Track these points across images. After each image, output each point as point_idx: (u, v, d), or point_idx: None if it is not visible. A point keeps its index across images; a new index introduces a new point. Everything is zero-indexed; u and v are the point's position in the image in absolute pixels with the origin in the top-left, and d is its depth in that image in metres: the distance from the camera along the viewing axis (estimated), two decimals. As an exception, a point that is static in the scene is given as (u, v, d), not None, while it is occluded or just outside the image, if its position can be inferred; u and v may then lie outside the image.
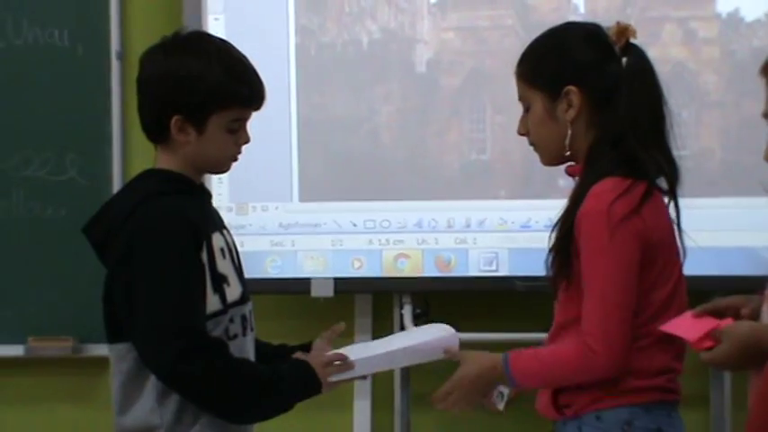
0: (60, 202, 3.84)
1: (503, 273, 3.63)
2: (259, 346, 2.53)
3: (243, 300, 2.41)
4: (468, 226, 3.64)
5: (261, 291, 3.30)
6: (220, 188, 3.63)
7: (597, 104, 2.41)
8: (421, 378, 3.52)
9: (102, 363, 3.60)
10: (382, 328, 3.82)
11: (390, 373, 3.58)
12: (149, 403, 2.31)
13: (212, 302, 2.32)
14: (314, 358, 2.41)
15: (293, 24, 3.70)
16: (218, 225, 2.42)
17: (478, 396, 2.51)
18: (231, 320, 2.36)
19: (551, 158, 2.49)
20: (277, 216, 3.69)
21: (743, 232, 3.56)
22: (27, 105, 3.84)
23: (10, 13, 3.83)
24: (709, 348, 2.12)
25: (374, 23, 3.68)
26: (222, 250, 2.37)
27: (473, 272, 3.64)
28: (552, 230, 2.43)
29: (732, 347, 2.09)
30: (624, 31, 2.44)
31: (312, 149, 3.69)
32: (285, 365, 2.41)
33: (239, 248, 2.49)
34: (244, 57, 2.40)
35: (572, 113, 2.41)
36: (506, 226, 3.62)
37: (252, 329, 2.45)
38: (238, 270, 2.44)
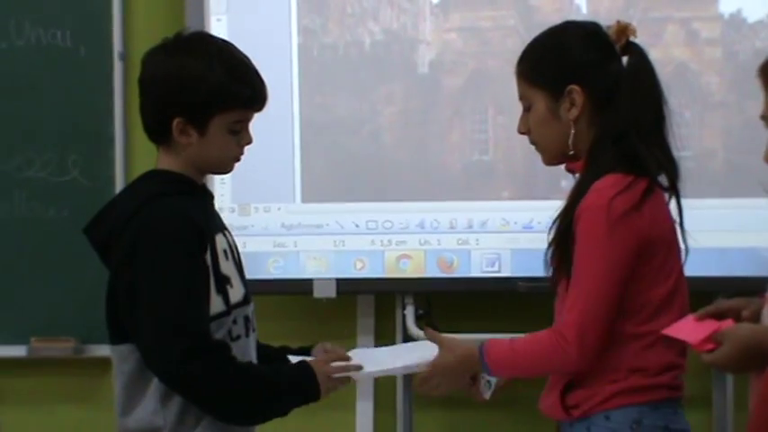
0: (62, 203, 3.84)
1: (505, 274, 3.62)
2: (260, 348, 2.53)
3: (245, 301, 2.41)
4: (471, 227, 3.64)
5: (263, 291, 3.30)
6: (223, 189, 3.63)
7: (599, 103, 2.41)
8: (423, 379, 3.52)
9: (104, 363, 3.60)
10: (385, 328, 3.82)
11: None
12: (152, 405, 2.31)
13: (216, 304, 2.32)
14: (319, 366, 2.39)
15: (295, 25, 3.69)
16: (220, 226, 2.43)
17: (457, 382, 2.51)
18: (234, 322, 2.36)
19: (553, 158, 2.49)
20: (279, 217, 3.69)
21: (745, 233, 3.55)
22: (29, 106, 3.84)
23: (12, 13, 3.83)
24: (711, 351, 2.12)
25: (376, 24, 3.68)
26: (225, 251, 2.37)
27: (475, 273, 3.63)
28: (552, 225, 2.44)
29: (733, 350, 2.09)
30: (624, 30, 2.45)
31: (314, 150, 3.69)
32: (288, 368, 2.40)
33: (241, 249, 2.50)
34: (246, 58, 2.39)
35: (575, 112, 2.42)
36: (509, 227, 3.62)
37: (254, 330, 2.46)
38: (240, 271, 2.44)
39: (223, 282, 2.34)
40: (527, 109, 2.48)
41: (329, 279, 3.66)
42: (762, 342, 2.07)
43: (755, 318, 2.18)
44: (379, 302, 3.85)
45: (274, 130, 3.57)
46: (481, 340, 2.47)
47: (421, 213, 3.65)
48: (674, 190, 2.43)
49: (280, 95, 3.57)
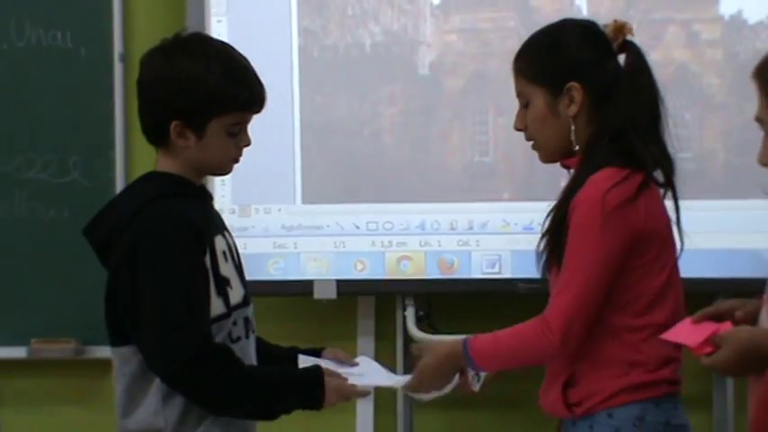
0: (63, 204, 3.84)
1: (505, 275, 3.62)
2: (269, 348, 2.54)
3: (245, 302, 2.41)
4: (471, 228, 3.64)
5: (263, 293, 3.31)
6: (223, 190, 3.63)
7: (597, 100, 2.44)
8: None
9: (104, 365, 3.59)
10: (385, 330, 3.82)
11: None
12: (153, 406, 2.31)
13: (216, 306, 2.32)
14: (330, 380, 2.37)
15: (296, 26, 3.69)
16: (220, 227, 2.42)
17: (444, 381, 2.51)
18: (234, 323, 2.36)
19: (550, 155, 2.51)
20: (280, 218, 3.69)
21: (746, 234, 3.55)
22: (30, 107, 3.84)
23: (13, 14, 3.83)
24: (710, 354, 2.12)
25: (377, 26, 3.68)
26: (224, 253, 2.37)
27: (476, 274, 3.63)
28: (547, 217, 2.45)
29: (731, 353, 2.08)
30: (621, 28, 2.48)
31: (315, 151, 3.69)
32: (297, 371, 2.40)
33: (242, 250, 2.49)
34: (244, 59, 2.39)
35: (574, 109, 2.44)
36: (509, 228, 3.62)
37: (253, 331, 2.45)
38: (239, 272, 2.44)
39: (223, 283, 2.34)
40: (524, 106, 2.50)
41: (329, 280, 3.66)
42: (760, 345, 2.07)
43: (750, 318, 2.18)
44: (379, 304, 3.85)
45: (275, 132, 3.57)
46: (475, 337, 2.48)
47: (421, 214, 3.65)
48: (670, 186, 2.45)
49: (280, 96, 3.57)
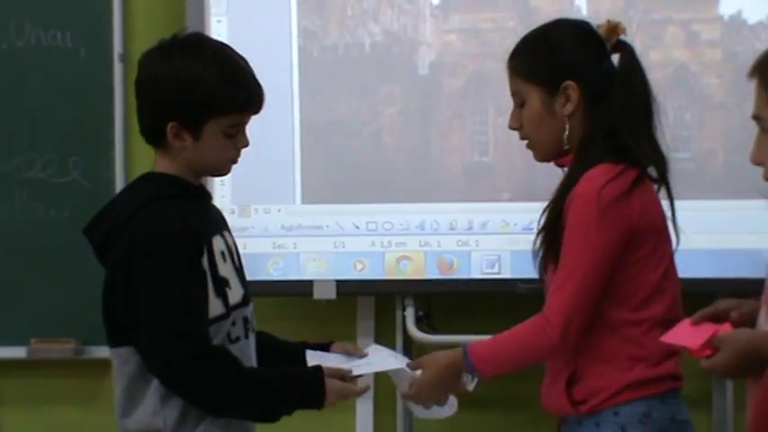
0: (63, 204, 3.84)
1: (505, 275, 3.62)
2: (278, 344, 2.54)
3: (244, 302, 2.41)
4: (471, 228, 3.64)
5: (263, 293, 3.30)
6: (223, 190, 3.63)
7: (592, 99, 2.46)
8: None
9: (104, 365, 3.58)
10: (384, 330, 3.82)
11: (393, 375, 3.58)
12: (152, 406, 2.31)
13: (215, 307, 2.32)
14: (331, 380, 2.37)
15: (296, 26, 3.69)
16: (219, 227, 2.42)
17: (444, 392, 2.52)
18: (233, 323, 2.36)
19: (546, 153, 2.53)
20: (279, 218, 3.69)
21: (746, 234, 3.55)
22: (29, 107, 3.84)
23: (12, 14, 3.83)
24: (709, 356, 2.12)
25: (376, 26, 3.68)
26: (223, 253, 2.37)
27: (475, 274, 3.63)
28: (542, 215, 2.47)
29: (730, 355, 2.09)
30: (614, 28, 2.51)
31: (314, 151, 3.69)
32: (298, 374, 2.40)
33: (241, 250, 2.49)
34: (242, 60, 2.38)
35: (570, 108, 2.47)
36: (509, 228, 3.62)
37: (253, 331, 2.45)
38: (239, 272, 2.44)
39: (221, 284, 2.34)
40: (519, 105, 2.52)
41: (329, 280, 3.66)
42: (758, 347, 2.07)
43: (746, 319, 2.18)
44: (379, 304, 3.85)
45: (274, 132, 3.57)
46: (475, 342, 2.49)
47: (421, 215, 3.65)
48: (664, 182, 2.47)
49: (280, 97, 3.57)
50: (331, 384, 2.35)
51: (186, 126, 2.31)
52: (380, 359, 2.59)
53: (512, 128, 2.54)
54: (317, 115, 3.69)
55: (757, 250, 3.52)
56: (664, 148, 2.49)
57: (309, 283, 3.66)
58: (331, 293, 3.66)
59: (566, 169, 2.51)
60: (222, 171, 2.44)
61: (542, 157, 2.55)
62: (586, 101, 2.47)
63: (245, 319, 2.41)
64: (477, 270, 3.63)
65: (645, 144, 2.45)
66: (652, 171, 2.48)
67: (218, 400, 2.29)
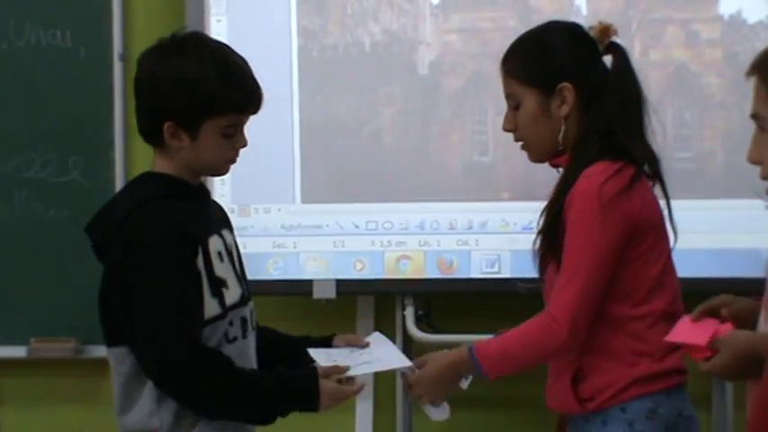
0: (63, 204, 3.84)
1: (505, 275, 3.62)
2: (282, 339, 2.54)
3: (243, 301, 2.40)
4: (471, 228, 3.63)
5: (263, 292, 3.30)
6: (222, 190, 3.63)
7: (587, 101, 2.48)
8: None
9: (104, 364, 3.55)
10: (384, 329, 3.78)
11: (392, 375, 3.58)
12: (148, 407, 2.31)
13: (211, 307, 2.32)
14: (326, 382, 2.37)
15: (295, 26, 3.69)
16: (217, 227, 2.41)
17: (442, 390, 2.52)
18: (230, 323, 2.36)
19: (542, 155, 2.55)
20: (279, 218, 3.69)
21: (746, 234, 3.55)
22: (29, 107, 3.84)
23: (12, 14, 3.83)
24: (708, 358, 2.12)
25: (376, 25, 3.68)
26: (220, 253, 2.36)
27: (475, 274, 3.63)
28: (541, 215, 2.48)
29: (729, 357, 2.09)
30: (606, 30, 2.54)
31: (314, 151, 3.69)
32: (293, 377, 2.39)
33: (241, 250, 2.49)
34: (241, 60, 2.37)
35: (566, 109, 2.49)
36: (508, 228, 3.62)
37: (253, 330, 2.45)
38: (239, 271, 2.43)
39: (218, 284, 2.33)
40: (514, 107, 2.53)
41: (329, 280, 3.66)
42: (757, 349, 2.07)
43: (739, 317, 2.18)
44: (378, 303, 3.85)
45: (274, 131, 3.57)
46: (480, 341, 2.49)
47: (421, 214, 3.64)
48: (659, 179, 2.50)
49: (279, 96, 3.57)
50: (325, 386, 2.35)
51: (183, 126, 2.31)
52: (382, 355, 2.58)
53: (506, 130, 2.56)
54: (316, 115, 3.69)
55: (757, 250, 3.51)
56: (655, 147, 2.52)
57: (309, 282, 3.66)
58: (331, 293, 3.66)
59: (561, 169, 2.51)
60: (220, 171, 2.43)
61: (538, 157, 2.57)
62: (581, 102, 2.49)
63: (244, 319, 2.40)
64: (477, 269, 3.63)
65: (638, 143, 2.47)
66: (646, 170, 2.50)
67: (209, 402, 2.28)
